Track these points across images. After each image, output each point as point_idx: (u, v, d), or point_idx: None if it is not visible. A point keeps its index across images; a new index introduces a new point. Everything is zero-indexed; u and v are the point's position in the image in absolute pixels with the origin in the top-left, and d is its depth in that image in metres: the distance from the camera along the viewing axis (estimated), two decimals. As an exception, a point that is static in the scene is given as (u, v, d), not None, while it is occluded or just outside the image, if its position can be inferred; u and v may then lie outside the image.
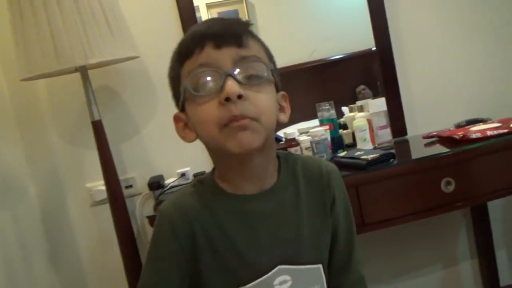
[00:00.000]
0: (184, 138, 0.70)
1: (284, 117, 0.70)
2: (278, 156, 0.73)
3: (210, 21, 0.69)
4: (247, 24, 0.66)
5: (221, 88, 0.60)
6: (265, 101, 0.63)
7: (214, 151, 0.69)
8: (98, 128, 1.50)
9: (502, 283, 1.79)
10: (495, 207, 1.78)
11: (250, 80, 0.62)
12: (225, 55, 0.61)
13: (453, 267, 1.83)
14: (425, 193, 1.36)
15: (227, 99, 0.59)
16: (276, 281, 0.65)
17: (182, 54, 0.64)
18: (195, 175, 1.64)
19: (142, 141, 1.70)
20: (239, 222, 0.66)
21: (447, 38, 1.76)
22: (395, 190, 1.36)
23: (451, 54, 1.76)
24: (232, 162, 0.66)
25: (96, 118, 1.50)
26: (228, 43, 0.61)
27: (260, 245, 0.65)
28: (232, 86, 0.59)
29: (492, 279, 1.78)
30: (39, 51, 1.32)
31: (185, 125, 0.69)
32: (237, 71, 0.61)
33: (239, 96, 0.60)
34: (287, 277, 0.66)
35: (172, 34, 1.67)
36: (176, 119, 0.70)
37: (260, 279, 0.64)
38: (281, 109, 0.71)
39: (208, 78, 0.61)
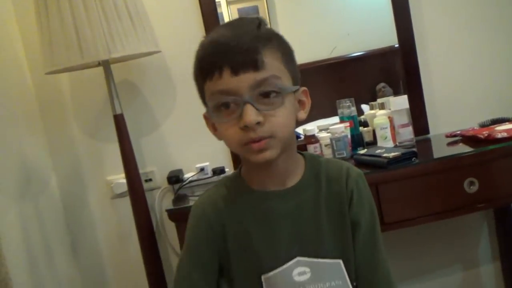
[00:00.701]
0: (215, 135, 0.75)
1: (303, 114, 0.74)
2: (304, 156, 0.77)
3: (227, 33, 0.68)
4: (262, 34, 0.68)
5: (240, 115, 0.65)
6: (281, 119, 0.67)
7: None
8: (119, 122, 1.52)
9: (524, 287, 1.75)
10: (519, 209, 1.74)
11: (267, 100, 0.66)
12: (243, 82, 0.65)
13: (474, 269, 1.79)
14: (447, 193, 1.33)
15: (246, 126, 0.65)
16: (295, 272, 0.69)
17: (203, 73, 0.69)
18: (214, 170, 1.65)
19: (162, 136, 1.72)
20: (261, 218, 0.72)
21: (471, 36, 1.72)
22: (416, 190, 1.34)
23: (475, 52, 1.72)
24: (258, 165, 0.71)
25: (118, 112, 1.52)
26: (245, 68, 0.64)
27: (278, 242, 0.70)
28: (250, 116, 0.64)
29: (514, 282, 1.74)
30: (63, 45, 1.34)
31: (213, 125, 0.74)
32: (254, 96, 0.65)
33: (257, 123, 0.65)
34: (306, 269, 0.69)
35: (193, 30, 1.67)
36: (206, 118, 0.76)
37: (280, 269, 0.69)
38: (301, 104, 0.74)
39: (228, 106, 0.66)
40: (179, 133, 1.71)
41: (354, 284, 0.72)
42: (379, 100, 1.73)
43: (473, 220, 1.76)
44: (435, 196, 1.34)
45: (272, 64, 0.67)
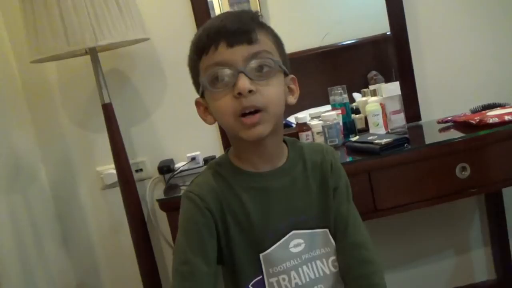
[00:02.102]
0: (205, 120, 0.78)
1: (293, 99, 0.79)
2: (285, 142, 0.82)
3: (223, 17, 0.74)
4: (256, 18, 0.73)
5: (234, 84, 0.69)
6: (273, 92, 0.71)
7: (232, 135, 0.77)
8: (108, 111, 1.49)
9: (515, 271, 1.77)
10: (510, 193, 1.75)
11: (260, 73, 0.70)
12: (237, 53, 0.69)
13: (466, 254, 1.81)
14: (439, 179, 1.33)
15: (239, 94, 0.68)
16: (291, 244, 0.75)
17: (199, 49, 0.72)
18: (205, 160, 1.64)
19: (152, 125, 1.70)
20: (257, 197, 0.75)
21: (463, 22, 1.71)
22: (409, 176, 1.34)
23: (467, 39, 1.71)
24: (249, 144, 0.74)
25: (106, 101, 1.49)
26: (240, 41, 0.69)
27: (276, 215, 0.75)
28: (243, 83, 0.68)
29: (504, 266, 1.76)
30: (49, 33, 1.31)
31: (206, 109, 0.77)
32: (248, 67, 0.69)
33: (250, 91, 0.69)
34: (300, 241, 0.75)
35: (183, 17, 1.64)
36: (198, 104, 0.78)
37: (277, 244, 0.74)
38: (290, 91, 0.79)
39: (223, 76, 0.69)
40: (169, 122, 1.69)
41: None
42: (371, 87, 1.72)
43: (465, 205, 1.77)
44: (428, 182, 1.34)
45: (265, 41, 0.72)
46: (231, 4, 1.75)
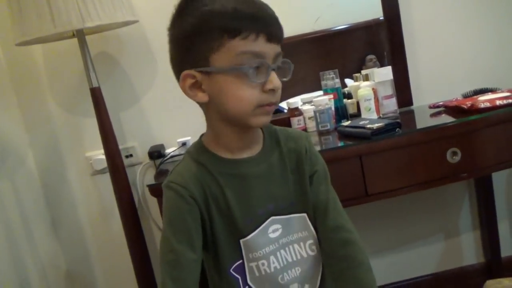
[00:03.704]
0: (191, 96, 0.73)
1: None
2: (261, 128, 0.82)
3: (257, 3, 0.71)
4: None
5: (266, 79, 0.70)
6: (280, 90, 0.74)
7: (224, 121, 0.74)
8: (96, 96, 1.47)
9: (503, 254, 1.79)
10: (499, 178, 1.77)
11: (281, 73, 0.73)
12: (272, 50, 0.70)
13: (455, 238, 1.83)
14: (430, 164, 1.34)
15: (272, 90, 0.70)
16: (270, 230, 0.76)
17: (235, 29, 0.67)
18: (196, 145, 1.62)
19: (142, 110, 1.67)
20: (236, 184, 0.75)
21: (456, 8, 1.69)
22: (400, 160, 1.34)
23: (460, 24, 1.70)
24: (236, 132, 0.75)
25: (95, 85, 1.46)
26: (275, 39, 0.70)
27: (255, 202, 0.75)
28: (277, 81, 0.71)
29: (493, 250, 1.78)
30: (34, 14, 1.27)
31: (195, 84, 0.72)
32: (276, 65, 0.72)
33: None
34: (278, 226, 0.77)
35: (172, -1, 1.61)
36: (186, 76, 0.72)
37: (257, 230, 0.75)
38: None
39: (260, 69, 0.69)
40: (160, 107, 1.67)
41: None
42: (363, 72, 1.70)
43: (455, 189, 1.78)
44: (418, 166, 1.34)
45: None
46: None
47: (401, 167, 1.34)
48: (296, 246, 0.78)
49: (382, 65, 1.72)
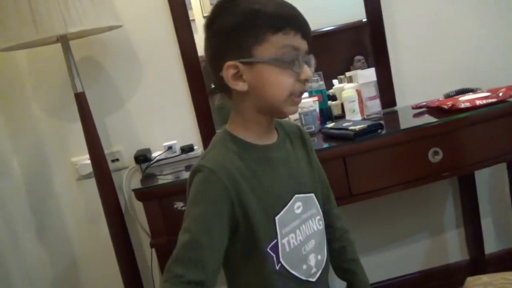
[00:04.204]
0: (233, 85, 0.80)
1: None
2: None
3: (294, 7, 0.81)
4: None
5: (302, 70, 0.79)
6: None
7: (258, 110, 0.82)
8: (81, 101, 1.46)
9: (487, 251, 1.82)
10: (482, 176, 1.80)
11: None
12: (304, 46, 0.80)
13: (440, 236, 1.85)
14: (412, 163, 1.36)
15: (306, 80, 0.80)
16: (295, 206, 0.85)
17: (279, 25, 0.78)
18: (182, 148, 1.63)
19: (128, 114, 1.67)
20: (265, 166, 0.83)
21: (437, 9, 1.72)
22: (383, 161, 1.36)
23: (442, 24, 1.73)
24: (265, 121, 0.84)
25: (79, 90, 1.46)
26: (307, 37, 0.81)
27: (282, 181, 0.84)
28: (310, 72, 0.80)
29: (477, 247, 1.81)
30: (17, 20, 1.27)
31: (236, 74, 0.80)
32: (306, 59, 0.81)
33: None
34: (300, 203, 0.86)
35: (156, 3, 1.61)
36: (229, 67, 0.79)
37: (286, 207, 0.84)
38: None
39: (297, 60, 0.79)
40: (145, 111, 1.67)
41: (323, 210, 0.92)
42: (348, 74, 1.73)
43: (439, 188, 1.81)
44: (401, 166, 1.36)
45: None
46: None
47: (384, 167, 1.36)
48: (310, 221, 0.88)
49: (369, 65, 1.75)
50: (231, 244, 0.79)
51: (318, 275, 0.87)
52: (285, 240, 0.83)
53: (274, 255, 0.82)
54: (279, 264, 0.82)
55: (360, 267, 0.98)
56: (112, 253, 1.54)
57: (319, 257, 0.88)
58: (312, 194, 0.90)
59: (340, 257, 0.98)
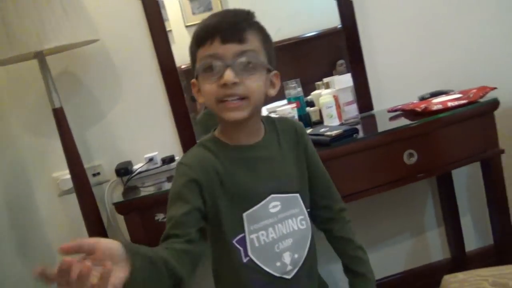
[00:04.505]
0: (197, 99, 0.89)
1: (273, 91, 0.91)
2: (261, 120, 0.96)
3: (222, 15, 0.87)
4: (250, 18, 0.85)
5: (221, 75, 0.81)
6: (254, 85, 0.83)
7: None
8: (59, 116, 1.46)
9: (467, 249, 1.86)
10: (460, 175, 1.84)
11: (245, 68, 0.82)
12: (228, 50, 0.81)
13: (421, 236, 1.89)
14: (388, 166, 1.39)
15: (225, 84, 0.81)
16: (270, 206, 0.88)
17: (198, 41, 0.84)
18: (163, 160, 1.63)
19: (108, 127, 1.67)
20: (242, 166, 0.88)
21: (409, 14, 1.76)
22: (360, 164, 1.39)
23: (416, 28, 1.77)
24: (231, 123, 0.86)
25: (57, 105, 1.46)
26: (232, 39, 0.81)
27: (257, 180, 0.88)
28: (228, 76, 0.80)
29: (458, 245, 1.85)
30: (-10, 37, 1.27)
31: (199, 90, 0.88)
32: (235, 62, 0.81)
33: (234, 83, 0.81)
34: (277, 203, 0.89)
35: (133, 15, 1.63)
36: (193, 84, 0.89)
37: (258, 205, 0.87)
38: (272, 84, 0.90)
39: (214, 67, 0.82)
40: (125, 124, 1.67)
41: (308, 210, 0.94)
42: (325, 80, 1.75)
43: (418, 189, 1.84)
44: (378, 169, 1.39)
45: (253, 41, 0.84)
46: (191, 0, 1.75)
47: (361, 171, 1.39)
48: (290, 220, 0.90)
49: (348, 70, 1.77)
50: (208, 231, 0.88)
51: (294, 272, 0.90)
52: (253, 236, 0.87)
53: (241, 249, 0.87)
54: (247, 258, 0.87)
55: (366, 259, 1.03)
56: (95, 267, 1.53)
57: (296, 255, 0.90)
58: (297, 195, 0.92)
59: (345, 248, 1.02)
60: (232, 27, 0.82)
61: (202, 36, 0.83)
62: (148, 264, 0.68)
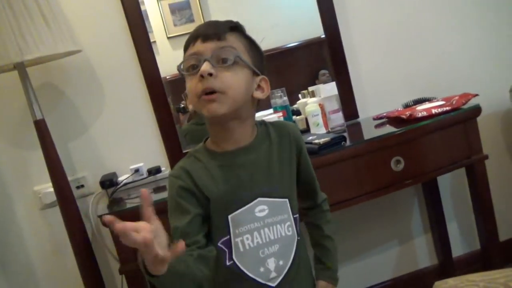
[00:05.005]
0: (188, 107, 0.94)
1: (261, 95, 0.91)
2: (256, 124, 0.96)
3: (207, 23, 0.91)
4: (232, 25, 0.88)
5: (199, 69, 0.83)
6: (232, 79, 0.83)
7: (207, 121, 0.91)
8: (41, 128, 1.43)
9: (454, 254, 1.88)
10: (445, 182, 1.86)
11: (223, 62, 0.84)
12: (207, 47, 0.83)
13: (409, 242, 1.89)
14: (376, 173, 1.39)
15: (201, 76, 0.82)
16: (257, 210, 0.88)
17: (185, 47, 0.88)
18: (149, 171, 1.61)
19: (91, 139, 1.64)
20: (228, 170, 0.88)
21: (393, 22, 1.79)
22: (348, 172, 1.39)
23: (398, 36, 1.80)
24: (215, 126, 0.88)
25: (39, 117, 1.43)
26: (211, 38, 0.84)
27: (244, 184, 0.88)
28: (204, 67, 0.82)
29: (445, 251, 1.86)
30: (-31, 49, 1.23)
31: None
32: (212, 56, 0.83)
33: (210, 74, 0.82)
34: (264, 207, 0.89)
35: (116, 26, 1.61)
36: (185, 95, 0.96)
37: (243, 208, 0.87)
38: (260, 88, 0.91)
39: (193, 62, 0.85)
40: (110, 135, 1.65)
41: (295, 216, 0.93)
42: (310, 88, 1.76)
43: (405, 196, 1.86)
44: (366, 176, 1.39)
45: (234, 41, 0.85)
46: (172, 11, 1.74)
47: (349, 179, 1.39)
48: (278, 226, 0.90)
49: (333, 79, 1.79)
50: None
51: (279, 280, 0.89)
52: (238, 239, 0.87)
53: (226, 251, 0.87)
54: (231, 262, 0.87)
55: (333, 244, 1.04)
56: (80, 283, 1.49)
57: (281, 262, 0.89)
58: (286, 200, 0.91)
59: (313, 233, 1.04)
60: (214, 28, 0.85)
61: (187, 42, 0.87)
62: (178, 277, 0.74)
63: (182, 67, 0.86)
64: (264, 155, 0.91)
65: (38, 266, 1.64)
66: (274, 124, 0.97)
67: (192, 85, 0.84)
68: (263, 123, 0.96)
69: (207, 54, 0.83)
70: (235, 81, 0.84)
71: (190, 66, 0.84)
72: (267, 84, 0.92)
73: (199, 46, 0.84)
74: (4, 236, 1.61)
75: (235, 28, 0.88)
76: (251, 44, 0.90)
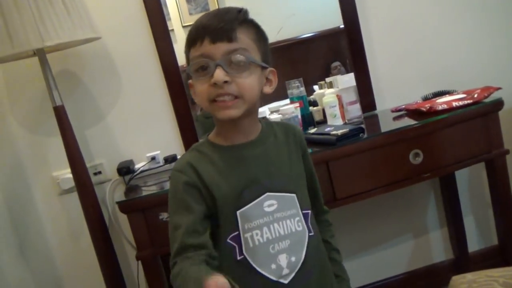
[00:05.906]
0: (195, 99, 0.88)
1: (269, 89, 0.90)
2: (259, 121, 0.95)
3: (212, 14, 0.85)
4: (240, 16, 0.83)
5: (212, 75, 0.81)
6: (247, 83, 0.82)
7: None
8: (60, 114, 1.45)
9: (470, 249, 1.86)
10: (462, 176, 1.83)
11: (236, 67, 0.81)
12: (218, 49, 0.80)
13: (424, 236, 1.88)
14: (394, 166, 1.38)
15: (215, 84, 0.80)
16: (265, 204, 0.86)
17: (189, 42, 0.84)
18: (165, 159, 1.62)
19: (109, 126, 1.66)
20: (236, 164, 0.87)
21: (413, 13, 1.76)
22: (365, 164, 1.38)
23: (418, 28, 1.77)
24: (226, 123, 0.86)
25: (58, 103, 1.44)
26: (221, 39, 0.80)
27: (252, 178, 0.86)
28: (218, 75, 0.80)
29: (460, 246, 1.84)
30: (-9, 35, 1.25)
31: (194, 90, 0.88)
32: (225, 61, 0.80)
33: (225, 82, 0.80)
34: (273, 202, 0.87)
35: (134, 14, 1.61)
36: (190, 85, 0.89)
37: (252, 203, 0.85)
38: (268, 82, 0.90)
39: (204, 66, 0.82)
40: (127, 122, 1.66)
41: (304, 212, 0.91)
42: (328, 79, 1.75)
43: (421, 189, 1.84)
44: (383, 169, 1.38)
45: (244, 40, 0.82)
46: (187, 0, 1.73)
47: (366, 171, 1.38)
48: (288, 221, 0.88)
49: (346, 71, 1.77)
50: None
51: (291, 277, 0.86)
52: (248, 235, 0.85)
53: (236, 246, 0.85)
54: (242, 256, 0.85)
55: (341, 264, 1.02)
56: (97, 268, 1.52)
57: (293, 258, 0.87)
58: (294, 195, 0.90)
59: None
60: (221, 26, 0.81)
61: (193, 37, 0.83)
62: None
63: (190, 70, 0.84)
64: (271, 149, 0.90)
65: (56, 251, 1.67)
66: (278, 123, 0.97)
67: (203, 89, 0.82)
68: (267, 121, 0.96)
69: (218, 58, 0.80)
70: (249, 84, 0.83)
71: (200, 68, 0.82)
72: (275, 76, 0.90)
73: (208, 47, 0.80)
74: (23, 221, 1.64)
75: (244, 21, 0.84)
76: (259, 35, 0.87)
